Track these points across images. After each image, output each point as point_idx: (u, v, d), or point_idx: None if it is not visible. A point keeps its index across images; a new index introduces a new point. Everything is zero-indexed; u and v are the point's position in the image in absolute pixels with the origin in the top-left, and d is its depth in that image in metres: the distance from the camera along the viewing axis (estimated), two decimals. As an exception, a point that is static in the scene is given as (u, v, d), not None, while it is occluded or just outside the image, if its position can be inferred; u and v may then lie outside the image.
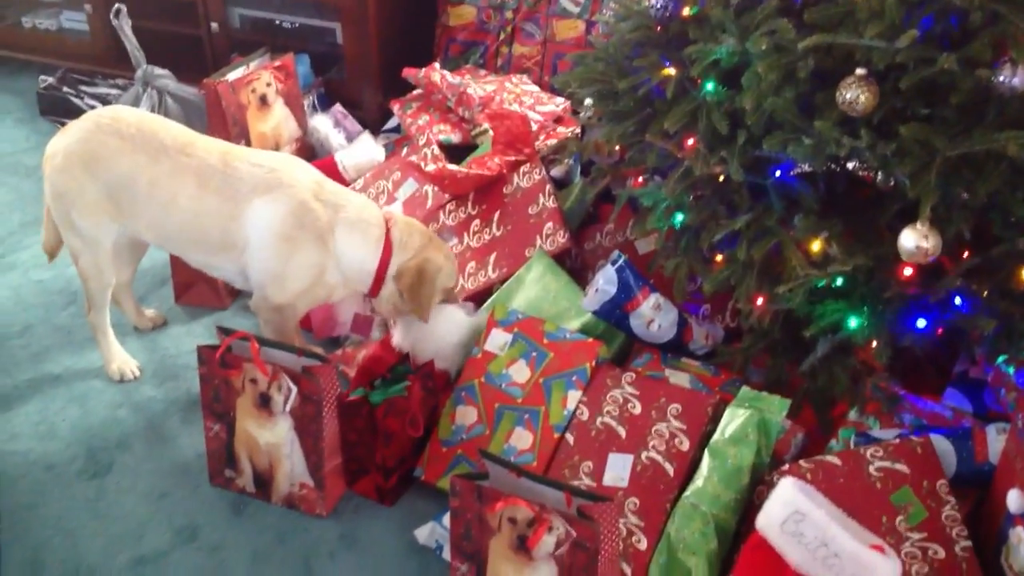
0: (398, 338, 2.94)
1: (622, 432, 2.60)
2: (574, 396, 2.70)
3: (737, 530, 2.39)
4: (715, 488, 2.39)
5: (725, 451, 2.44)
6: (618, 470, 2.54)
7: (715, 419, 2.55)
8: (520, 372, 2.79)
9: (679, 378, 2.75)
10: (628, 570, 2.37)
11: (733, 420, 2.49)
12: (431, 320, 2.88)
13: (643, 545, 2.40)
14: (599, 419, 2.64)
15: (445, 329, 2.91)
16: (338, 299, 3.00)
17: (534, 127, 3.67)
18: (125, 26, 4.17)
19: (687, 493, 2.42)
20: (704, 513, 2.35)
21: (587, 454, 2.59)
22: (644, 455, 2.54)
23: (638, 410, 2.62)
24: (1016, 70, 2.06)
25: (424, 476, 2.72)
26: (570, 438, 2.64)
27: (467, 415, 2.77)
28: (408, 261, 2.84)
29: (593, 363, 2.74)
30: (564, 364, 2.76)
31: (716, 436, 2.49)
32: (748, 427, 2.45)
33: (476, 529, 2.24)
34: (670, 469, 2.49)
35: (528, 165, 3.41)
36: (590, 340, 2.80)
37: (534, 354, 2.80)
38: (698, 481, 2.43)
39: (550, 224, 3.23)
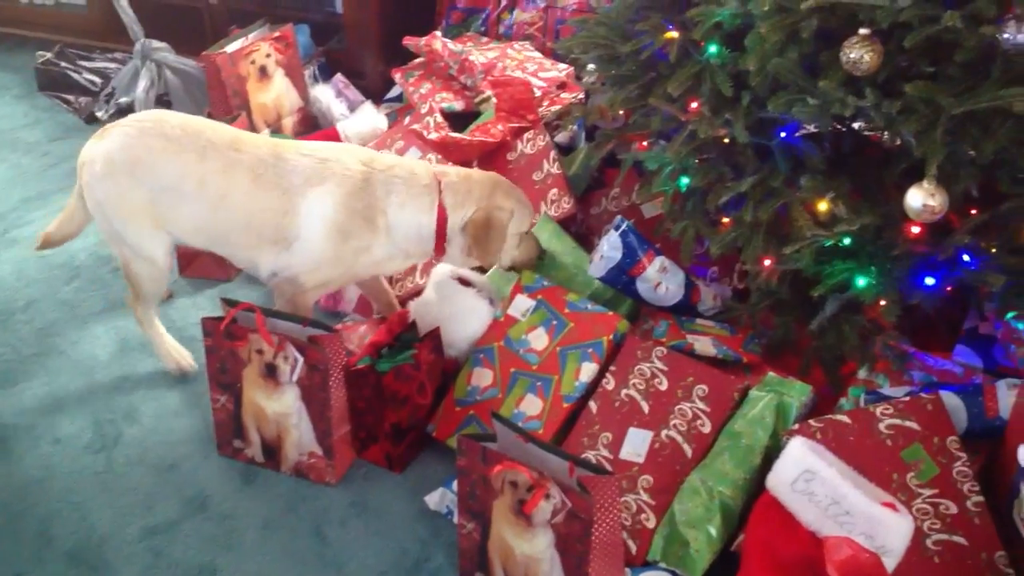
0: (415, 317, 2.88)
1: (645, 407, 2.58)
2: (588, 368, 2.69)
3: (745, 510, 2.36)
4: (725, 466, 2.39)
5: (741, 431, 2.44)
6: (636, 445, 2.53)
7: (740, 403, 2.56)
8: (539, 339, 2.79)
9: (703, 343, 2.73)
10: (633, 546, 2.37)
11: (753, 402, 2.50)
12: (453, 309, 2.87)
13: (651, 524, 2.40)
14: (624, 391, 2.62)
15: (465, 321, 2.89)
16: (394, 272, 2.97)
17: (537, 93, 3.65)
18: (122, -1, 4.16)
19: (696, 469, 2.42)
20: (710, 489, 2.35)
21: (608, 425, 2.58)
22: (664, 433, 2.53)
23: (664, 386, 2.60)
24: (1021, 26, 2.04)
25: (435, 433, 2.74)
26: (593, 406, 2.63)
27: (483, 377, 2.77)
28: (475, 213, 2.77)
29: (611, 337, 2.72)
30: (582, 335, 2.75)
31: (735, 417, 2.49)
32: (766, 410, 2.46)
33: (481, 490, 2.25)
34: (688, 450, 2.49)
35: (532, 131, 3.40)
36: (610, 313, 2.78)
37: (554, 322, 2.80)
38: (709, 458, 2.43)
39: (555, 190, 3.22)
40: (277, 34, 4.05)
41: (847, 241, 2.39)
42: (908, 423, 2.32)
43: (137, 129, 2.75)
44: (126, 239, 2.81)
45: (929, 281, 2.37)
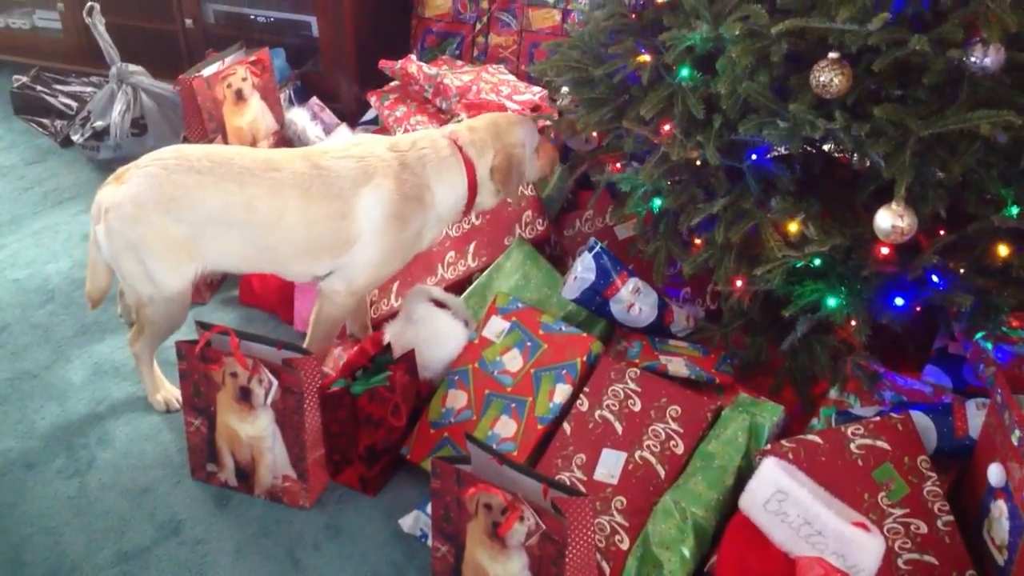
0: (390, 339, 2.88)
1: (619, 428, 2.59)
2: (562, 390, 2.70)
3: (718, 530, 2.36)
4: (698, 487, 2.39)
5: (714, 452, 2.45)
6: (610, 466, 2.53)
7: (713, 424, 2.57)
8: (513, 361, 2.80)
9: (676, 364, 2.74)
10: (607, 567, 2.37)
11: (726, 423, 2.51)
12: (429, 331, 2.87)
13: (625, 545, 2.39)
14: (598, 412, 2.62)
15: (441, 343, 2.88)
16: (430, 244, 3.00)
17: (511, 116, 3.66)
18: (98, 24, 4.15)
19: (670, 490, 2.42)
20: (683, 509, 2.35)
21: (582, 446, 2.58)
22: (638, 454, 2.53)
23: (638, 407, 2.61)
24: (987, 49, 2.07)
25: (410, 455, 2.73)
26: (567, 427, 2.63)
27: (457, 399, 2.77)
28: (495, 158, 2.90)
29: (584, 358, 2.73)
30: (556, 357, 2.76)
31: (708, 438, 2.50)
32: (739, 430, 2.47)
33: (455, 512, 2.25)
34: (662, 471, 2.49)
35: (506, 154, 3.41)
36: (584, 335, 2.80)
37: (528, 344, 2.81)
38: (682, 479, 2.44)
39: (529, 212, 3.23)
40: (253, 58, 4.05)
41: (817, 262, 2.41)
42: (879, 443, 2.33)
43: (161, 167, 2.69)
44: (156, 279, 2.74)
45: (898, 301, 2.39)
